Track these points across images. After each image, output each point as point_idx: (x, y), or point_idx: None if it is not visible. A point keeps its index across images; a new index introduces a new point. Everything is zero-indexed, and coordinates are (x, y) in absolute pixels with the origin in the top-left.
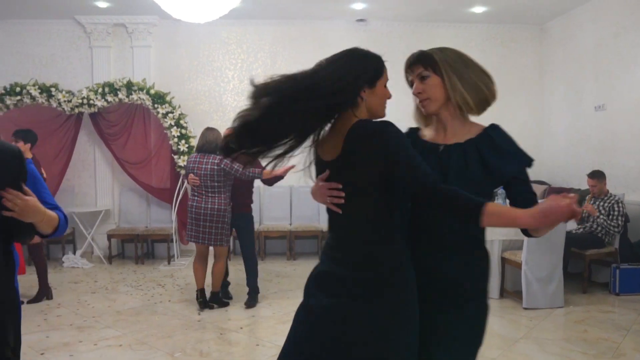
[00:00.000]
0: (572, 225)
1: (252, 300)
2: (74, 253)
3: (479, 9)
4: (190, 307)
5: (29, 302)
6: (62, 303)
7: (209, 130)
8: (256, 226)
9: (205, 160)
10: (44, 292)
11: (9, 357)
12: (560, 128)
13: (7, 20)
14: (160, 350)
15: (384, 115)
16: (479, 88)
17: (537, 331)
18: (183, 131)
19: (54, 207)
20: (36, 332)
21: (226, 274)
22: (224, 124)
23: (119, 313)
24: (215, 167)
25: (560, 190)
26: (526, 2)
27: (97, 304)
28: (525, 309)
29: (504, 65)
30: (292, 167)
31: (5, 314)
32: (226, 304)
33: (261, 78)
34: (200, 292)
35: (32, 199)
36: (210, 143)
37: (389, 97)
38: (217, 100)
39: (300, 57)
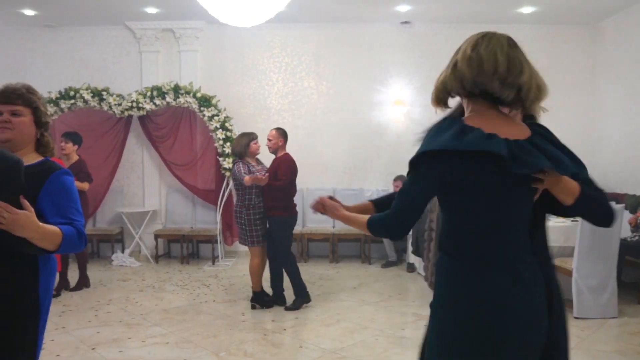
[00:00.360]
0: (626, 232)
1: (292, 305)
2: (123, 252)
3: (527, 10)
4: (235, 307)
5: (70, 289)
6: (112, 300)
7: (240, 136)
8: (299, 228)
9: (234, 165)
10: (83, 282)
11: None
12: (614, 131)
13: (63, 28)
14: (206, 350)
15: None
16: None
17: (590, 342)
18: (228, 134)
19: (70, 222)
20: (88, 327)
21: (280, 278)
22: (268, 126)
23: (166, 311)
24: (233, 172)
25: (614, 197)
26: (578, 2)
27: (144, 302)
28: (576, 318)
29: (553, 66)
30: (266, 175)
31: (26, 319)
32: (269, 305)
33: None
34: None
35: (24, 214)
36: (234, 147)
37: None
38: (261, 103)
39: (344, 60)
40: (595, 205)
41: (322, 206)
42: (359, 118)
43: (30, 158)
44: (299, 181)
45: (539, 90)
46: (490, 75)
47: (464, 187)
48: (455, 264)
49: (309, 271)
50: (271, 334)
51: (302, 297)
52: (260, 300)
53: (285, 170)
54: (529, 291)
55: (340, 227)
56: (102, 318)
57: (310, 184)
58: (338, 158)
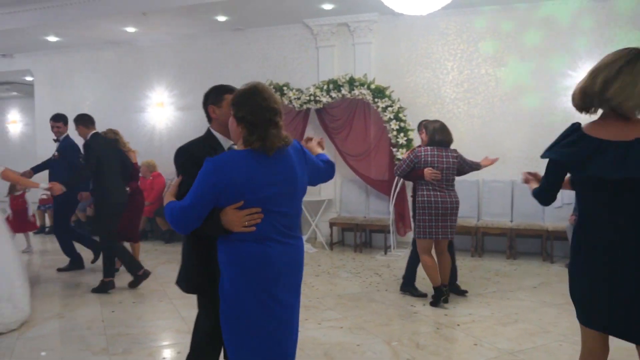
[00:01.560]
0: None
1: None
2: None
3: None
4: (406, 298)
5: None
6: None
7: (433, 123)
8: (473, 222)
9: (445, 154)
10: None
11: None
12: None
13: (249, 29)
14: (378, 337)
15: None
16: None
17: None
18: (402, 124)
19: None
20: None
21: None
22: (441, 116)
23: (340, 297)
24: (454, 161)
25: None
26: None
27: (320, 287)
28: None
29: None
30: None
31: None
32: (446, 301)
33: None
34: (445, 286)
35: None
36: (447, 136)
37: None
38: (435, 92)
39: (526, 44)
40: None
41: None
42: (542, 105)
43: None
44: (475, 173)
45: None
46: (628, 98)
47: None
48: None
49: (483, 266)
50: (444, 328)
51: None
52: (437, 296)
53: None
54: None
55: (519, 221)
56: None
57: (485, 175)
58: (517, 148)
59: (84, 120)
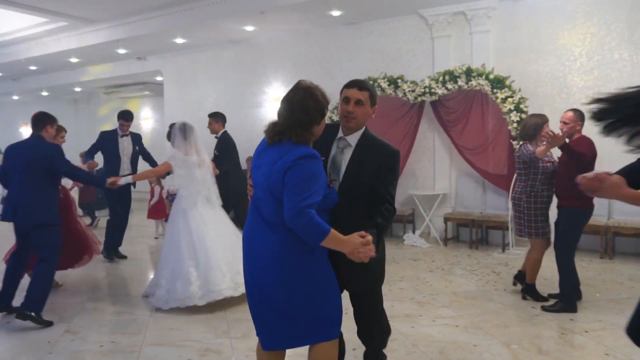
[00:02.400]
0: None
1: (551, 306)
2: (414, 232)
3: None
4: (527, 300)
5: None
6: (404, 278)
7: (530, 116)
8: (603, 220)
9: (520, 147)
10: None
11: None
12: None
13: (363, 23)
14: (496, 339)
15: None
16: None
17: None
18: (523, 116)
19: None
20: (384, 300)
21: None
22: (567, 106)
23: (455, 294)
24: (520, 154)
25: None
26: None
27: (434, 283)
28: None
29: None
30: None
31: None
32: (544, 299)
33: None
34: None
35: None
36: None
37: None
38: (560, 81)
39: None
40: None
41: (598, 182)
42: None
43: None
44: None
45: None
46: None
47: None
48: None
49: (614, 269)
50: (570, 334)
51: (566, 303)
52: (529, 292)
53: (583, 149)
54: None
55: None
56: (395, 293)
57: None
58: None
59: (220, 118)
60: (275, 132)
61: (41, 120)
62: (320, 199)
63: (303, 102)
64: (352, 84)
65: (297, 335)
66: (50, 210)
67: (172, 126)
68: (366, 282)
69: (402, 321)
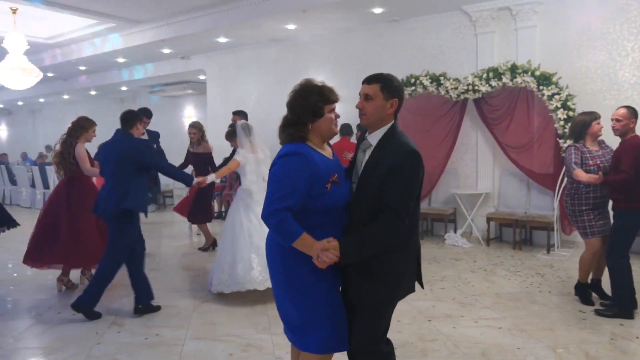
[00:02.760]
0: None
1: (605, 310)
2: (455, 232)
3: None
4: (573, 303)
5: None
6: (445, 277)
7: (579, 115)
8: None
9: (567, 150)
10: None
11: None
12: None
13: (405, 20)
14: (541, 342)
15: None
16: None
17: None
18: (570, 113)
19: None
20: (424, 300)
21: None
22: (617, 104)
23: (498, 296)
24: (564, 157)
25: None
26: None
27: (476, 284)
28: None
29: None
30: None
31: None
32: (590, 303)
33: None
34: (587, 285)
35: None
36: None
37: None
38: (611, 77)
39: None
40: None
41: None
42: None
43: None
44: None
45: None
46: None
47: None
48: None
49: None
50: (620, 340)
51: (620, 307)
52: (579, 291)
53: (629, 161)
54: None
55: None
56: (436, 293)
57: None
58: None
59: (243, 115)
60: (279, 132)
61: (130, 118)
62: (297, 200)
63: (292, 101)
64: (364, 79)
65: (294, 337)
66: (136, 197)
67: (232, 126)
68: (367, 296)
69: (444, 321)
